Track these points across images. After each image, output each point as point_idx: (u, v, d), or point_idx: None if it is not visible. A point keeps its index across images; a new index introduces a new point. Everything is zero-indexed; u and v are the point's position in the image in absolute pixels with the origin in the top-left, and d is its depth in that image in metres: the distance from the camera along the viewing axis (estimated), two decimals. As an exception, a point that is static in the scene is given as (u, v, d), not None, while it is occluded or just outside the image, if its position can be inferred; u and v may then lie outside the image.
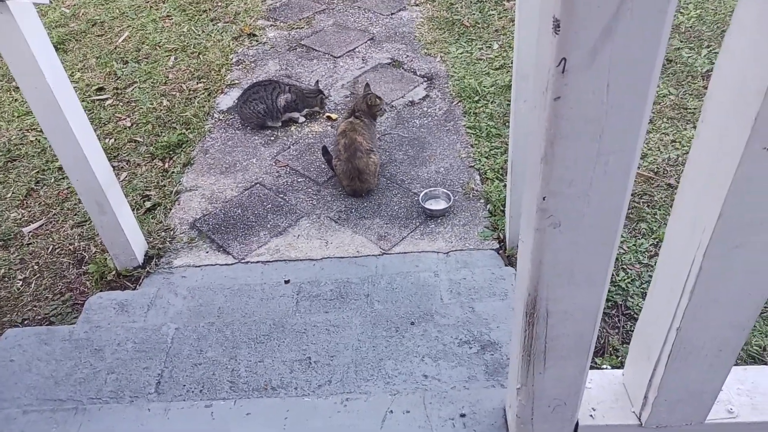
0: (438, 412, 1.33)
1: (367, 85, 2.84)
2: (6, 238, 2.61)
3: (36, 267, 2.49)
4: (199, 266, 2.41)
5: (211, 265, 2.41)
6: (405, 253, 2.36)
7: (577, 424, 1.21)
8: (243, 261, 2.42)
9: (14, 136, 3.25)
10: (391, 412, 1.33)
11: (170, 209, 2.66)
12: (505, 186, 2.49)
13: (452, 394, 1.39)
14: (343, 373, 1.58)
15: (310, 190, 2.71)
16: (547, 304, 1.01)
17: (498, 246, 2.36)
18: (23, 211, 2.74)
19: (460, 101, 3.11)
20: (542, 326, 1.04)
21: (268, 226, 2.55)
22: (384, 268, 2.26)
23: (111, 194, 2.22)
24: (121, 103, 3.41)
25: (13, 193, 2.83)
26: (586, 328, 1.04)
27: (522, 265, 1.01)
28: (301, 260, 2.39)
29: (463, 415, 1.31)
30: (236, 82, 3.48)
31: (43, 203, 2.77)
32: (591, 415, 1.21)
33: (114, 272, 2.41)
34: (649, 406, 1.17)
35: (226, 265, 2.41)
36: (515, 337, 1.09)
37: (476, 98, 3.08)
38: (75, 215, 2.69)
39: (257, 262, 2.40)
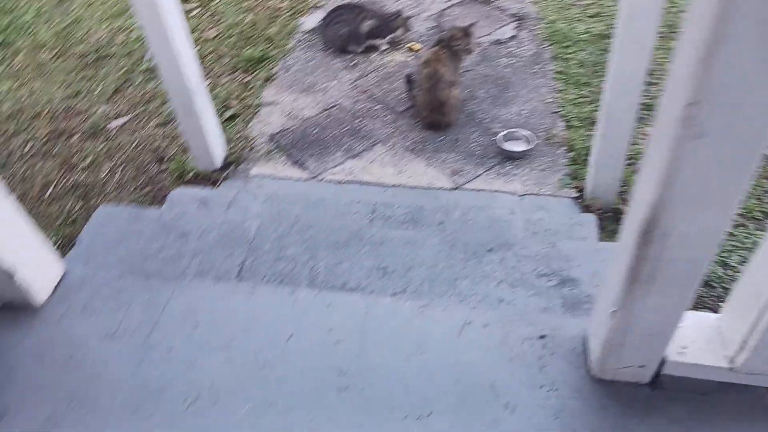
0: (517, 330, 1.33)
1: (468, 27, 2.71)
2: (95, 129, 2.71)
3: (120, 159, 2.58)
4: (274, 177, 2.46)
5: (287, 178, 2.45)
6: (478, 190, 2.34)
7: (664, 359, 1.19)
8: (317, 178, 2.45)
9: (104, 37, 3.34)
10: (469, 323, 1.34)
11: (250, 121, 2.70)
12: (591, 136, 2.41)
13: (532, 316, 1.39)
14: (418, 285, 1.60)
15: (387, 118, 2.69)
16: (667, 224, 0.97)
17: (576, 195, 2.30)
18: (111, 107, 2.83)
19: (549, 45, 2.99)
20: (656, 248, 1.00)
21: (344, 147, 2.56)
22: (456, 202, 2.24)
23: (198, 98, 2.26)
24: (206, 15, 3.43)
25: (102, 88, 2.92)
26: (703, 255, 1.01)
27: (644, 180, 0.97)
28: (373, 184, 2.40)
29: (542, 337, 1.30)
30: (321, 4, 3.45)
31: (129, 101, 2.85)
32: (680, 353, 1.19)
33: (192, 173, 2.48)
34: (747, 350, 1.13)
35: (300, 180, 2.44)
36: (620, 258, 1.06)
37: (567, 44, 2.96)
38: (158, 116, 2.76)
39: (331, 181, 2.43)
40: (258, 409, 1.26)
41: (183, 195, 2.11)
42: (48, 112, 2.82)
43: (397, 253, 1.69)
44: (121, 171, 2.51)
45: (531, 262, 1.65)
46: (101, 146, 2.62)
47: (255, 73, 2.93)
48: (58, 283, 1.51)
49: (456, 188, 2.35)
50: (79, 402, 1.30)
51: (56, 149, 2.61)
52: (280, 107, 2.75)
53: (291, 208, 2.09)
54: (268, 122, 2.68)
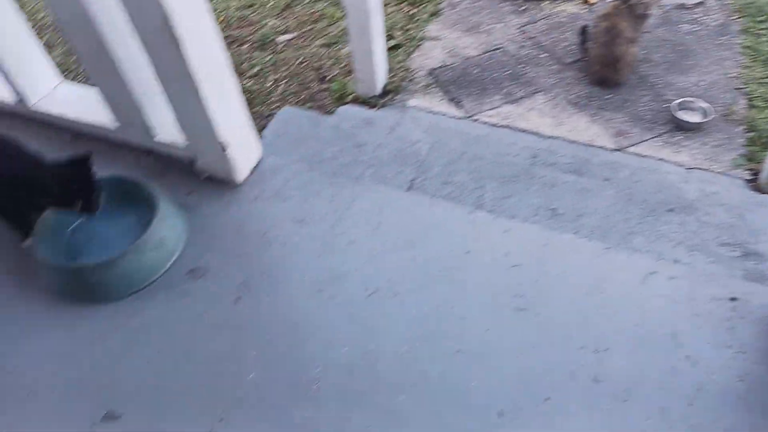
0: (705, 288, 1.29)
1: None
2: (264, 41, 2.85)
3: (285, 73, 2.71)
4: (429, 111, 2.48)
5: (441, 113, 2.47)
6: (642, 156, 2.24)
7: None
8: (472, 117, 2.45)
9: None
10: (654, 273, 1.32)
11: (411, 53, 2.72)
12: (777, 116, 2.22)
13: (723, 278, 1.34)
14: (589, 232, 1.58)
15: (552, 67, 2.61)
16: None
17: (750, 178, 2.15)
18: (279, 22, 2.96)
19: (740, 17, 2.75)
20: None
21: (503, 91, 2.52)
22: (621, 162, 2.17)
23: (374, 20, 2.30)
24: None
25: (274, 3, 3.05)
26: None
27: None
28: (529, 132, 2.36)
29: (733, 299, 1.26)
30: (492, -54, 3.36)
31: (297, 19, 2.96)
32: None
33: (352, 95, 2.56)
34: None
35: (455, 117, 2.45)
36: None
37: (761, 17, 2.71)
38: (323, 36, 2.85)
39: (486, 123, 2.42)
40: (433, 311, 1.33)
41: (349, 112, 2.19)
42: (223, 19, 2.99)
43: (568, 197, 1.68)
44: (285, 84, 2.63)
45: (713, 229, 1.58)
46: (268, 58, 2.76)
47: (421, 6, 2.93)
48: (254, 167, 1.65)
49: (618, 150, 2.26)
50: (271, 275, 1.43)
51: (227, 54, 2.78)
52: (443, 43, 2.75)
53: (452, 140, 2.11)
54: (429, 56, 2.69)
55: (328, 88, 2.66)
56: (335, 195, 1.56)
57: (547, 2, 2.96)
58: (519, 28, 2.84)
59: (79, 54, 1.46)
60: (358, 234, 1.47)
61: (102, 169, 1.60)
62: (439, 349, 1.26)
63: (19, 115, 1.73)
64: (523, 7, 2.94)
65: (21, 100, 1.67)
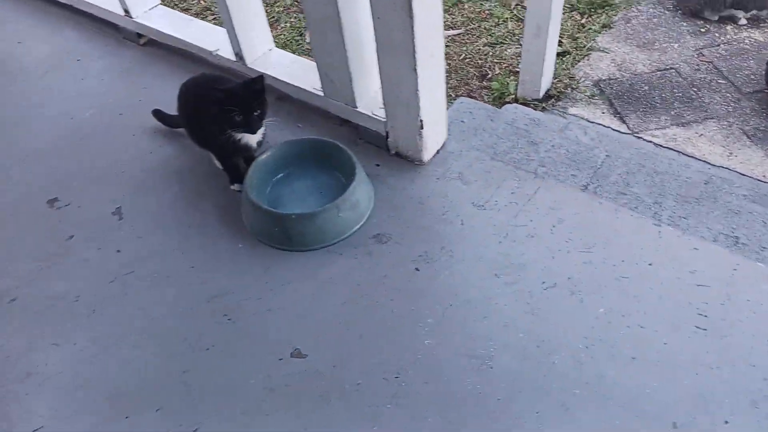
0: None
1: None
2: (431, 32, 2.97)
3: (447, 66, 2.80)
4: (591, 122, 2.47)
5: (605, 126, 2.45)
6: (825, 200, 2.11)
7: None
8: (635, 134, 2.41)
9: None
10: None
11: (578, 62, 2.72)
12: None
13: None
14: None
15: (729, 95, 2.51)
16: None
17: None
18: (447, 17, 3.06)
19: None
20: None
21: (672, 113, 2.46)
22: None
23: (552, 24, 2.33)
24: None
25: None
26: None
27: None
28: (696, 158, 2.29)
29: None
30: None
31: (465, 16, 3.05)
32: None
33: (512, 96, 2.60)
34: None
35: (617, 131, 2.43)
36: None
37: None
38: (489, 35, 2.91)
39: (649, 141, 2.37)
40: (611, 315, 1.36)
41: (516, 110, 2.23)
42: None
43: (753, 227, 1.62)
44: (446, 78, 2.73)
45: None
46: (433, 50, 2.86)
47: (594, 16, 2.92)
48: (439, 149, 1.74)
49: (797, 190, 2.15)
50: (449, 251, 1.51)
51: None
52: (612, 56, 2.72)
53: (624, 151, 2.10)
54: (596, 67, 2.67)
55: (488, 87, 2.72)
56: (517, 187, 1.61)
57: (732, 26, 2.84)
58: (696, 50, 2.75)
59: (311, 23, 1.62)
60: (537, 228, 1.52)
61: (298, 132, 1.78)
62: (615, 353, 1.28)
63: (236, 71, 1.94)
64: (704, 29, 2.84)
65: (240, 59, 1.88)
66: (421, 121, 1.59)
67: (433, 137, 1.69)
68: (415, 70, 1.49)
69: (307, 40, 2.46)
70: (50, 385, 1.32)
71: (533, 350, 1.31)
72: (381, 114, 1.70)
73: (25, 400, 1.29)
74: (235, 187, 1.68)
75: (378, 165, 1.73)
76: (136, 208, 1.67)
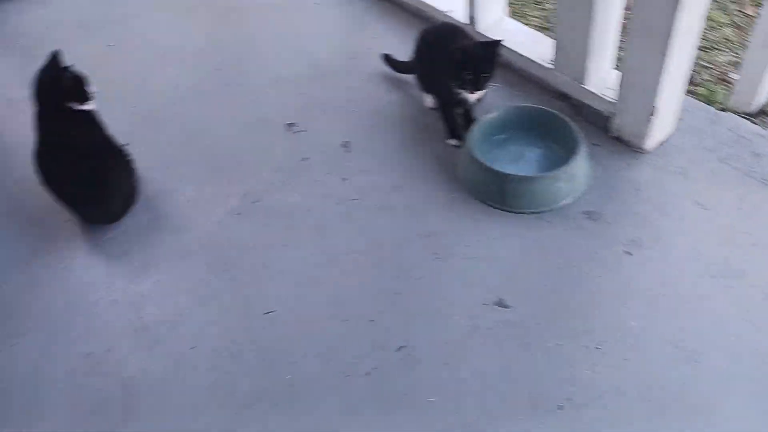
0: None
1: None
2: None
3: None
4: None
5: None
6: None
7: None
8: None
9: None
10: None
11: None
12: None
13: None
14: None
15: None
16: None
17: None
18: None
19: None
20: None
21: None
22: None
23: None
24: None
25: None
26: None
27: None
28: None
29: None
30: None
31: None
32: None
33: (719, 105, 2.48)
34: None
35: None
36: None
37: None
38: (703, 39, 2.78)
39: None
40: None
41: (734, 119, 2.12)
42: None
43: None
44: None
45: None
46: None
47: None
48: (663, 140, 1.73)
49: None
50: (662, 241, 1.51)
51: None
52: None
53: None
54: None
55: (693, 91, 2.60)
56: (744, 194, 1.57)
57: None
58: None
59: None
60: (763, 238, 1.48)
61: (516, 100, 1.87)
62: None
63: None
64: None
65: (472, 23, 1.98)
66: (654, 107, 1.59)
67: (661, 127, 1.68)
68: (664, 54, 1.49)
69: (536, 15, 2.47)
70: (281, 279, 1.53)
71: (746, 355, 1.29)
72: (609, 95, 1.72)
73: (261, 286, 1.52)
74: (452, 142, 1.81)
75: (595, 144, 1.75)
76: (362, 144, 1.85)
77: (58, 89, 1.56)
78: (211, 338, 1.43)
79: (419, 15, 2.25)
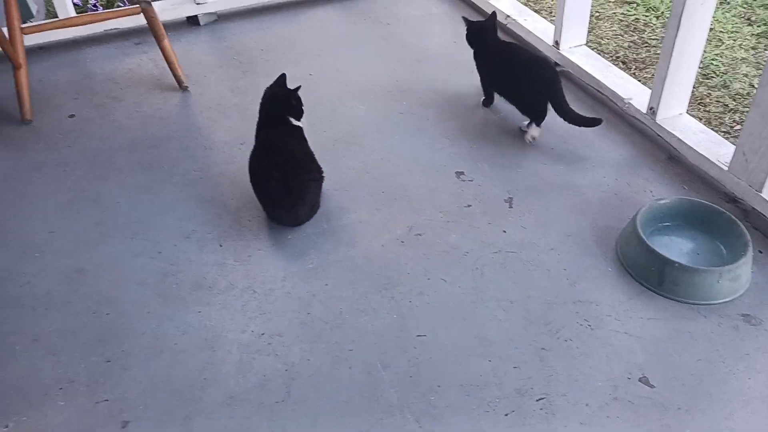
0: None
1: None
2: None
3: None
4: None
5: None
6: None
7: None
8: None
9: None
10: None
11: None
12: None
13: None
14: None
15: None
16: None
17: None
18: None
19: None
20: None
21: None
22: None
23: None
24: None
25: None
26: None
27: None
28: None
29: None
30: None
31: None
32: None
33: None
34: None
35: None
36: None
37: None
38: None
39: None
40: None
41: None
42: None
43: None
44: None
45: None
46: None
47: None
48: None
49: None
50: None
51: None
52: None
53: None
54: None
55: None
56: None
57: None
58: None
59: (756, 105, 1.76)
60: None
61: (682, 193, 1.97)
62: None
63: (642, 123, 2.24)
64: None
65: (652, 114, 2.14)
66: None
67: None
68: None
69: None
70: (435, 308, 1.70)
71: None
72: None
73: (416, 311, 1.70)
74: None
75: (760, 252, 1.80)
76: (524, 202, 2.02)
77: (286, 105, 1.89)
78: (367, 346, 1.61)
79: (597, 98, 2.44)
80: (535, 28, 2.70)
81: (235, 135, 2.34)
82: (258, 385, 1.54)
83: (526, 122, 2.26)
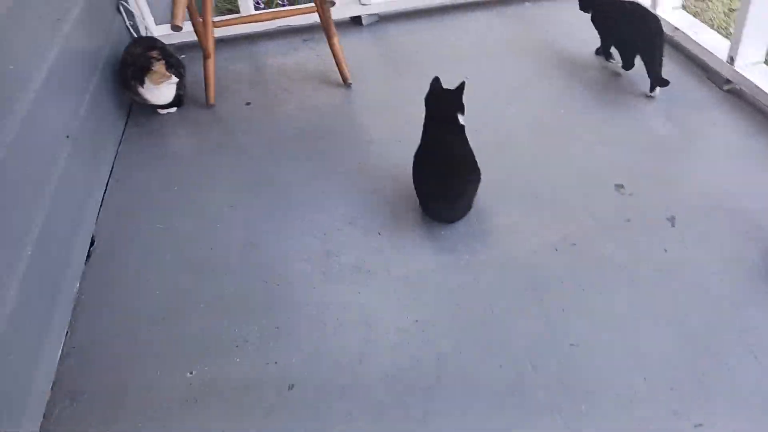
0: None
1: None
2: None
3: None
4: None
5: None
6: None
7: None
8: None
9: None
10: None
11: None
12: None
13: None
14: None
15: None
16: None
17: None
18: None
19: None
20: None
21: None
22: None
23: None
24: None
25: None
26: None
27: None
28: None
29: None
30: None
31: None
32: None
33: None
34: None
35: None
36: None
37: None
38: None
39: None
40: None
41: None
42: None
43: None
44: None
45: None
46: None
47: None
48: None
49: None
50: None
51: None
52: None
53: None
54: None
55: None
56: None
57: None
58: None
59: None
60: None
61: None
62: None
63: None
64: None
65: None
66: None
67: None
68: None
69: None
70: (586, 318, 1.70)
71: None
72: None
73: (569, 319, 1.70)
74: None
75: None
76: (688, 223, 1.95)
77: (457, 101, 1.97)
78: (516, 346, 1.66)
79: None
80: (706, 42, 2.58)
81: (394, 132, 2.48)
82: (411, 367, 1.64)
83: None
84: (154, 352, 1.75)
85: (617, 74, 2.69)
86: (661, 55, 2.44)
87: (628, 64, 2.61)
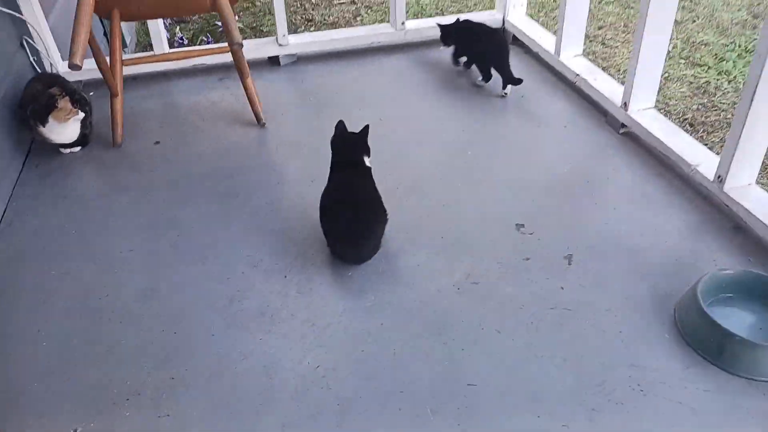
0: None
1: None
2: None
3: None
4: None
5: None
6: None
7: None
8: None
9: None
10: None
11: None
12: None
13: None
14: None
15: None
16: None
17: None
18: None
19: None
20: None
21: None
22: None
23: None
24: None
25: None
26: None
27: None
28: None
29: None
30: None
31: None
32: None
33: None
34: None
35: None
36: None
37: None
38: None
39: None
40: None
41: None
42: None
43: None
44: None
45: None
46: None
47: None
48: None
49: None
50: None
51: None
52: None
53: None
54: None
55: None
56: None
57: None
58: None
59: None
60: None
61: (747, 265, 1.95)
62: None
63: (708, 191, 2.24)
64: None
65: (719, 182, 2.13)
66: None
67: None
68: None
69: None
70: (489, 359, 1.73)
71: None
72: None
73: (470, 359, 1.73)
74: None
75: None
76: (584, 262, 2.03)
77: (362, 144, 2.02)
78: (418, 390, 1.66)
79: (664, 162, 2.44)
80: (604, 88, 2.74)
81: (307, 172, 2.48)
82: (311, 416, 1.61)
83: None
84: (37, 410, 1.64)
85: (531, 119, 2.82)
86: (507, 59, 2.95)
87: (487, 76, 3.05)
